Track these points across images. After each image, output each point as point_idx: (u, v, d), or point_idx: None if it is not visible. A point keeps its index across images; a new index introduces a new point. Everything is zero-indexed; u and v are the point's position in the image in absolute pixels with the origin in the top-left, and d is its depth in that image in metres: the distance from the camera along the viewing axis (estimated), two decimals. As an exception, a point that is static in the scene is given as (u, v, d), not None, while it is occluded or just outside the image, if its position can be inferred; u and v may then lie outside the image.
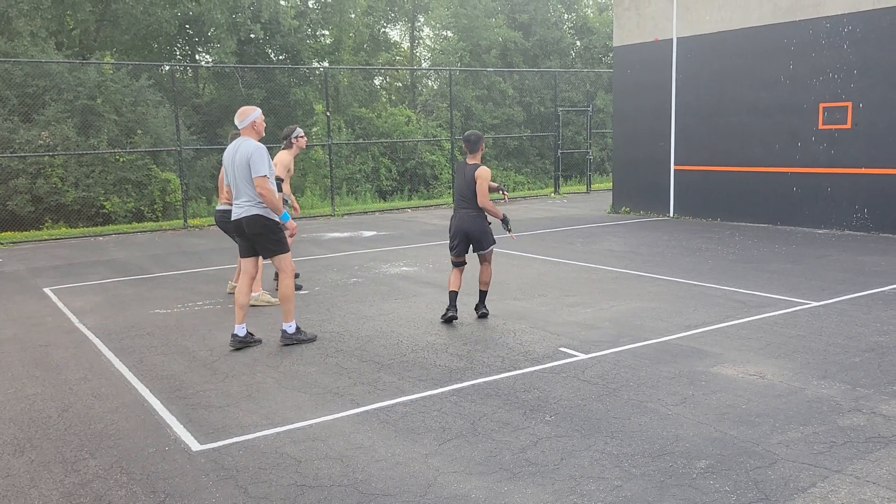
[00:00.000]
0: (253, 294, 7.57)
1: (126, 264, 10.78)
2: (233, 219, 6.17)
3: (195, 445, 4.24)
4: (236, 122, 6.17)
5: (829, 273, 8.58)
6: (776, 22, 12.49)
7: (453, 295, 6.91)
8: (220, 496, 3.63)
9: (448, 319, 6.83)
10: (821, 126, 12.04)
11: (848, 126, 11.70)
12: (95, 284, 9.25)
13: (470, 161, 6.84)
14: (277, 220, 6.11)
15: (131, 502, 3.59)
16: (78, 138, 16.06)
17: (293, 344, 6.24)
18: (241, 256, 6.31)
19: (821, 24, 11.90)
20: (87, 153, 15.78)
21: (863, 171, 11.59)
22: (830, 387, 4.89)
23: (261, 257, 6.46)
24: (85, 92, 16.43)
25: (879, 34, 11.22)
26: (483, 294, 7.05)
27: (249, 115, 6.11)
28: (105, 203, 16.14)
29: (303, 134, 8.19)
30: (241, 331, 6.21)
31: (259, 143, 6.02)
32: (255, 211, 6.01)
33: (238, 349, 6.17)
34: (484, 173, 6.70)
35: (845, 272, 8.60)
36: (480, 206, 6.73)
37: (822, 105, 11.99)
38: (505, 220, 6.91)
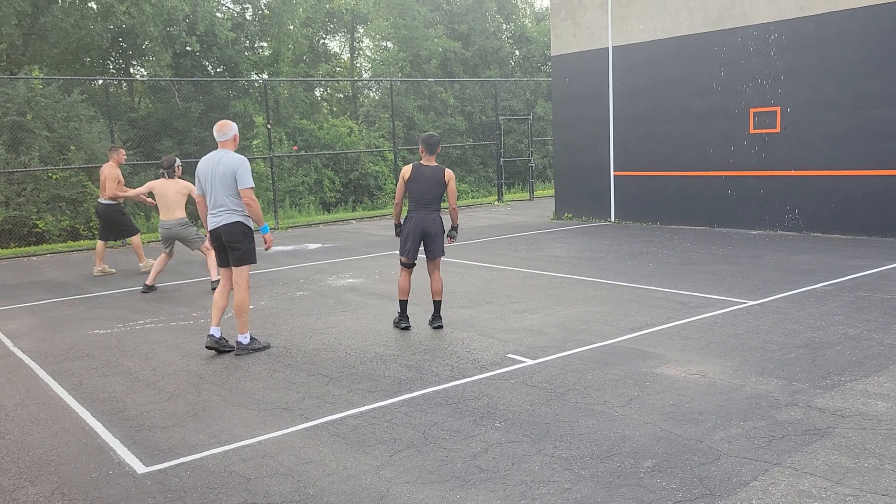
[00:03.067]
0: (148, 261, 9.70)
1: (62, 284, 10.45)
2: (210, 229, 6.29)
3: (140, 468, 4.14)
4: (217, 134, 6.32)
5: (765, 272, 8.87)
6: (706, 30, 12.90)
7: (405, 304, 6.98)
8: (167, 519, 3.55)
9: (405, 328, 6.94)
10: (752, 130, 12.46)
11: (777, 130, 12.14)
12: (30, 306, 8.95)
13: (428, 163, 6.82)
14: (255, 229, 6.37)
15: (74, 530, 3.49)
16: (7, 156, 15.51)
17: (246, 354, 6.33)
18: (220, 266, 6.44)
19: (749, 31, 12.34)
20: (17, 171, 15.25)
21: (792, 173, 12.04)
22: (768, 383, 5.06)
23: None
24: (14, 108, 15.89)
25: (803, 41, 11.70)
26: (437, 304, 7.05)
27: (230, 129, 6.33)
28: (38, 222, 15.61)
29: (179, 164, 9.71)
30: (216, 332, 6.34)
31: (241, 157, 6.25)
32: (235, 218, 6.21)
33: (212, 349, 6.33)
34: (453, 176, 6.86)
35: (779, 271, 8.91)
36: (453, 208, 6.87)
37: (752, 110, 12.42)
38: (455, 228, 7.07)
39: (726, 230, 12.77)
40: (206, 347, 6.35)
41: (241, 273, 6.33)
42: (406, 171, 6.81)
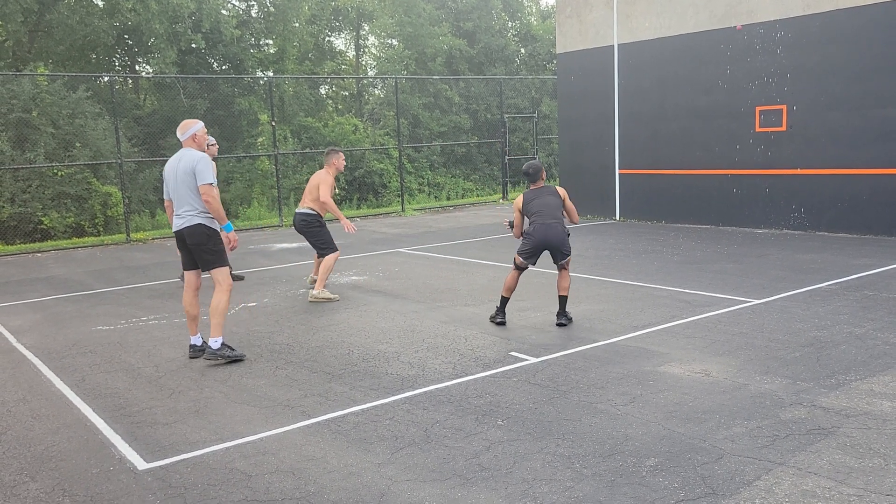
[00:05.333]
0: (313, 292, 8.32)
1: (66, 281, 10.47)
2: (174, 230, 6.08)
3: (141, 464, 4.13)
4: (178, 134, 6.11)
5: (769, 271, 8.83)
6: (713, 28, 12.85)
7: (506, 301, 6.98)
8: (167, 515, 3.54)
9: (500, 323, 6.89)
10: (758, 129, 12.41)
11: (783, 128, 12.08)
12: (34, 302, 8.96)
13: (537, 186, 6.88)
14: (219, 230, 6.06)
15: (74, 526, 3.48)
16: (13, 152, 15.54)
17: (218, 362, 6.00)
18: (185, 269, 6.22)
19: (755, 29, 12.28)
20: (22, 167, 15.28)
21: (798, 171, 11.98)
22: (772, 382, 5.03)
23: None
24: (19, 104, 15.92)
25: (809, 38, 11.64)
26: (564, 300, 6.87)
27: (190, 128, 6.08)
28: (43, 218, 15.65)
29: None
30: (197, 341, 6.23)
31: (203, 153, 5.99)
32: (196, 220, 5.94)
33: (196, 358, 6.18)
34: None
35: (784, 270, 8.87)
36: (574, 221, 7.11)
37: (758, 108, 12.36)
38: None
39: (731, 229, 12.72)
40: (190, 358, 6.18)
41: (218, 274, 6.02)
42: (519, 201, 6.87)
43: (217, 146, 9.49)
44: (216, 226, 6.04)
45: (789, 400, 4.68)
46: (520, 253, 6.88)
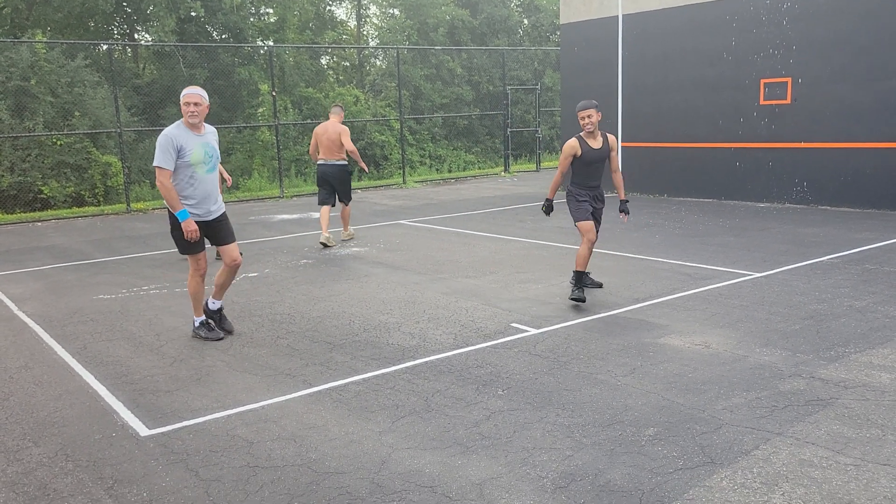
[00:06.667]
0: (345, 233, 10.34)
1: (67, 250, 10.47)
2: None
3: (143, 430, 4.16)
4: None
5: (771, 245, 8.82)
6: (718, -1, 12.69)
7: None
8: (170, 480, 3.57)
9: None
10: (762, 101, 12.32)
11: (788, 101, 11.99)
12: (35, 271, 8.96)
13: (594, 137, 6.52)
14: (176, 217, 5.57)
15: (78, 489, 3.51)
16: (12, 121, 15.45)
17: (194, 336, 5.93)
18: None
19: (761, 0, 12.12)
20: (21, 136, 15.20)
21: (802, 145, 11.91)
22: (772, 354, 5.04)
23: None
24: (18, 72, 15.80)
25: (816, 10, 11.50)
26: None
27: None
28: (43, 188, 15.61)
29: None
30: (212, 305, 6.02)
31: (166, 131, 5.47)
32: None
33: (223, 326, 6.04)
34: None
35: (786, 244, 8.86)
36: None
37: (763, 81, 12.26)
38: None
39: (734, 203, 12.68)
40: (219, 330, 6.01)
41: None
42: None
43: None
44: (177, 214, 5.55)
45: (788, 371, 4.69)
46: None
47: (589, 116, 6.41)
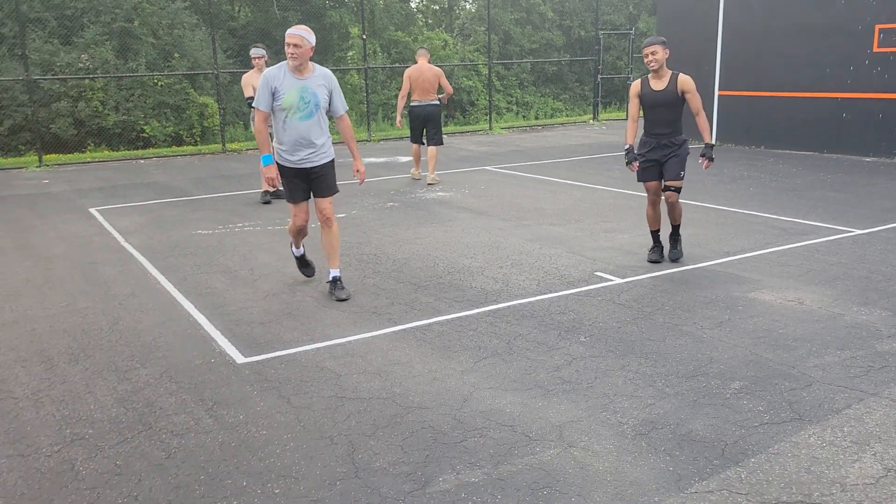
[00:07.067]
0: (430, 176, 10.45)
1: (168, 187, 10.95)
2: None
3: (239, 358, 4.39)
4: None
5: (876, 201, 8.37)
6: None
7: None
8: (264, 405, 3.77)
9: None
10: (875, 49, 11.54)
11: (904, 49, 11.19)
12: (139, 205, 9.44)
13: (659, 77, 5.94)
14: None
15: (181, 409, 3.76)
16: (117, 61, 16.10)
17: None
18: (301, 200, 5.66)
19: (882, -61, 11.26)
20: (126, 76, 15.84)
21: (917, 96, 11.15)
22: (871, 313, 4.84)
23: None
24: (122, 14, 16.37)
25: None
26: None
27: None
28: (145, 127, 16.29)
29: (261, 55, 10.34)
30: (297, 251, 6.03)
31: (267, 70, 5.26)
32: None
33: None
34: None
35: (892, 200, 8.39)
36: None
37: (878, 27, 11.45)
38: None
39: (837, 156, 12.05)
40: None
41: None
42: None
43: (263, 58, 10.30)
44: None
45: (888, 332, 4.51)
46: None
47: (654, 53, 5.83)
